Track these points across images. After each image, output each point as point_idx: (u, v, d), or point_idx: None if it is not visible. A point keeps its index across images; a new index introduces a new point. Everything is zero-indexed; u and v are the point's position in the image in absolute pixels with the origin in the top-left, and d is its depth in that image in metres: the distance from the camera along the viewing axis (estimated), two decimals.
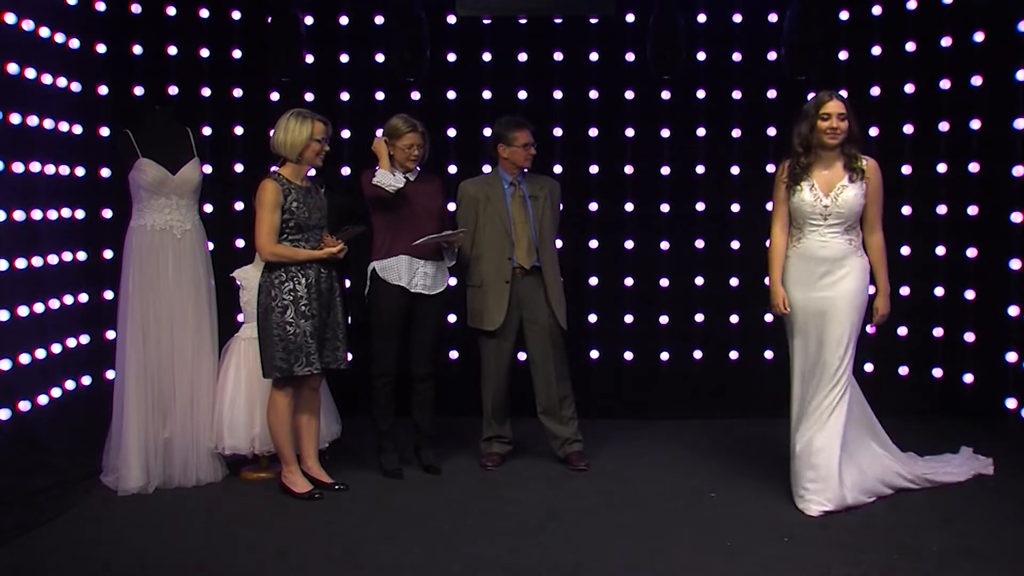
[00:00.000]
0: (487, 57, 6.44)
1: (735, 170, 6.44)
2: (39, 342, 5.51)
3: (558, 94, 6.45)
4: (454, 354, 6.48)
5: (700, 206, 6.47)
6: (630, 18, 6.38)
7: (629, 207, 6.49)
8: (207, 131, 6.22)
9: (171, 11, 6.24)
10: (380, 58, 6.38)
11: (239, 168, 6.38)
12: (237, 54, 6.37)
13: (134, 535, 4.25)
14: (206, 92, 6.36)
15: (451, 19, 6.38)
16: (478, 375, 5.34)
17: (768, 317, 6.35)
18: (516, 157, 5.19)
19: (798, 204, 4.58)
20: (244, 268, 5.24)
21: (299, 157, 4.71)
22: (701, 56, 6.41)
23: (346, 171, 6.35)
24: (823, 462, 4.43)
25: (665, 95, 6.44)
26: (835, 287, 4.52)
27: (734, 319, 6.50)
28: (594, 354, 6.52)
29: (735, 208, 6.44)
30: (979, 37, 6.03)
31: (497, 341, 5.22)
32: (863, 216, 4.57)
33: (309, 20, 6.31)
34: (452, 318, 6.19)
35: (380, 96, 6.41)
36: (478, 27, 6.40)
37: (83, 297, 5.98)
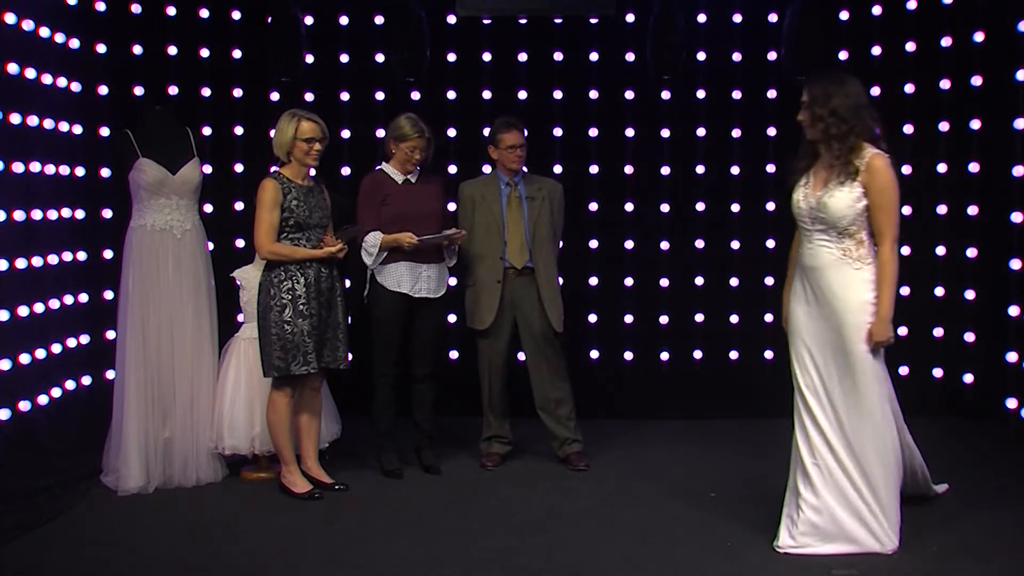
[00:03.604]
0: (487, 57, 6.44)
1: (735, 170, 6.44)
2: (39, 342, 5.51)
3: (558, 94, 6.45)
4: (454, 354, 6.48)
5: (700, 206, 6.47)
6: (630, 18, 6.39)
7: (629, 207, 6.49)
8: (207, 131, 6.22)
9: (171, 11, 6.24)
10: (380, 58, 6.38)
11: (239, 168, 6.38)
12: (237, 54, 6.37)
13: (134, 535, 4.25)
14: (206, 92, 6.36)
15: (451, 19, 6.38)
16: (478, 375, 5.35)
17: (768, 317, 6.36)
18: (503, 159, 5.20)
19: (792, 204, 4.05)
20: (244, 268, 5.24)
21: (288, 156, 4.73)
22: (701, 56, 6.41)
23: (346, 171, 6.35)
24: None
25: (665, 95, 6.44)
26: (827, 304, 3.96)
27: (734, 319, 6.50)
28: (594, 354, 6.52)
29: (735, 208, 6.44)
30: (979, 37, 6.04)
31: (490, 340, 5.24)
32: (871, 224, 3.93)
33: (309, 20, 6.31)
34: (452, 318, 6.19)
35: (380, 96, 6.41)
36: (478, 27, 6.40)
37: (83, 297, 5.97)
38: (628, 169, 6.47)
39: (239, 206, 6.32)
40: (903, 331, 6.36)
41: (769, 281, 6.35)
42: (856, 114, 3.90)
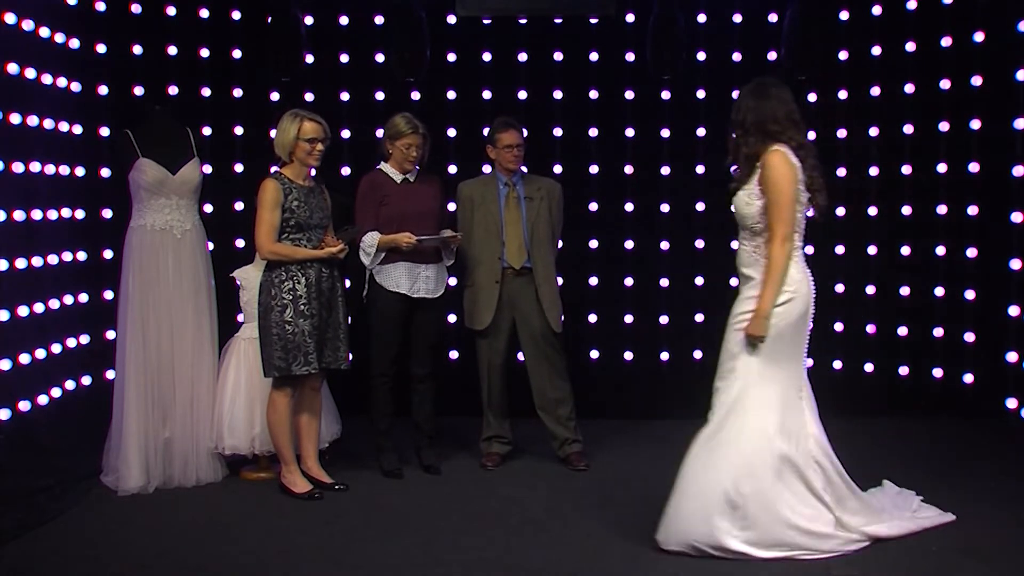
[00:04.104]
0: (487, 57, 6.44)
1: (735, 170, 6.42)
2: (39, 342, 5.51)
3: (558, 94, 6.45)
4: (454, 354, 6.48)
5: (700, 206, 6.47)
6: (630, 18, 6.38)
7: (629, 207, 6.49)
8: (207, 131, 6.22)
9: (171, 11, 6.24)
10: (380, 58, 6.38)
11: (239, 168, 6.38)
12: (237, 54, 6.37)
13: (134, 535, 4.25)
14: (206, 92, 6.36)
15: (451, 19, 6.38)
16: (478, 375, 5.35)
17: None
18: (501, 158, 5.21)
19: None
20: (244, 268, 5.24)
21: (290, 156, 4.73)
22: (701, 56, 6.41)
23: (346, 171, 6.35)
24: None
25: (665, 95, 6.44)
26: (736, 303, 4.09)
27: None
28: (594, 354, 6.52)
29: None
30: (979, 37, 6.04)
31: (489, 340, 5.24)
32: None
33: (309, 20, 6.31)
34: (452, 318, 6.19)
35: (380, 96, 6.41)
36: (478, 27, 6.40)
37: (83, 297, 5.98)
38: (628, 169, 6.47)
39: (239, 206, 6.32)
40: (903, 331, 6.38)
41: None
42: (758, 123, 3.98)
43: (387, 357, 5.09)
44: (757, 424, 3.90)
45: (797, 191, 3.92)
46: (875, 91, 6.36)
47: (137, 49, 6.22)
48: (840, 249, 6.40)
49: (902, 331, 6.38)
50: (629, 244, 6.51)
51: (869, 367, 6.41)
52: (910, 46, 6.26)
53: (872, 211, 6.39)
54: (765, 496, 3.83)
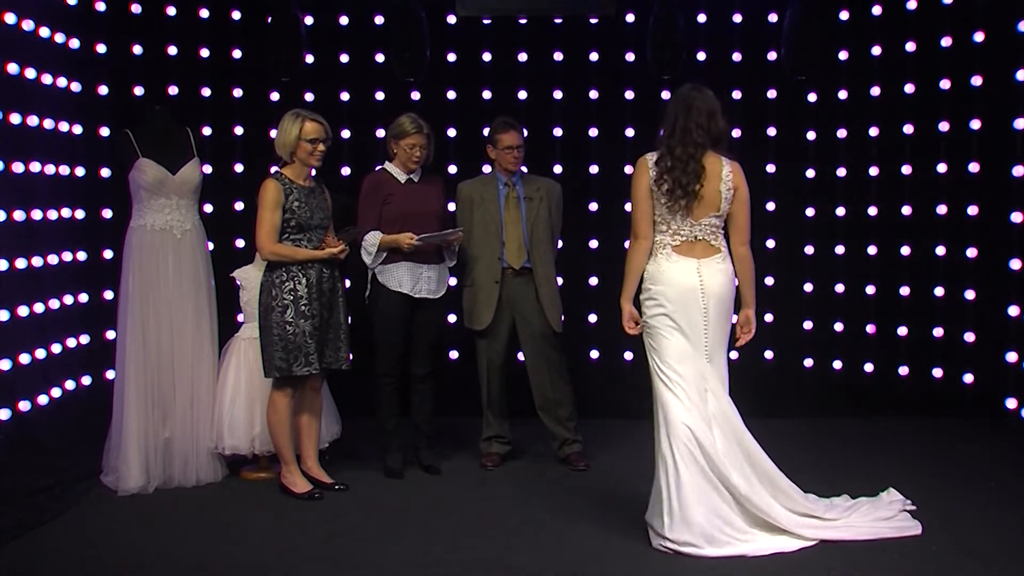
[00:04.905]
0: (487, 57, 6.44)
1: None
2: (39, 342, 5.51)
3: (558, 94, 6.45)
4: (454, 354, 6.48)
5: None
6: (630, 18, 6.39)
7: (629, 207, 6.47)
8: (207, 131, 6.22)
9: (171, 11, 6.25)
10: (380, 58, 6.39)
11: (239, 168, 6.38)
12: (237, 54, 6.37)
13: (134, 535, 4.25)
14: (206, 92, 6.36)
15: (451, 19, 6.38)
16: (478, 375, 5.35)
17: (768, 317, 6.36)
18: (501, 159, 5.21)
19: None
20: (244, 268, 5.24)
21: (292, 156, 4.73)
22: (701, 56, 6.41)
23: (346, 171, 6.35)
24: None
25: (665, 95, 6.42)
26: None
27: (732, 319, 6.48)
28: (594, 354, 6.52)
29: None
30: (979, 37, 6.05)
31: (488, 341, 5.24)
32: None
33: (309, 20, 6.31)
34: (452, 318, 6.19)
35: (380, 96, 6.42)
36: (478, 27, 6.40)
37: (83, 297, 5.98)
38: (628, 169, 6.44)
39: (239, 206, 6.32)
40: (903, 331, 6.38)
41: (769, 281, 6.35)
42: (660, 132, 4.21)
43: (391, 357, 5.08)
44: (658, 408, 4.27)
45: (645, 194, 4.16)
46: (875, 91, 6.37)
47: (137, 49, 6.22)
48: (840, 249, 6.41)
49: (902, 331, 6.38)
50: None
51: (869, 367, 6.41)
52: (910, 46, 6.26)
53: (872, 211, 6.39)
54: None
